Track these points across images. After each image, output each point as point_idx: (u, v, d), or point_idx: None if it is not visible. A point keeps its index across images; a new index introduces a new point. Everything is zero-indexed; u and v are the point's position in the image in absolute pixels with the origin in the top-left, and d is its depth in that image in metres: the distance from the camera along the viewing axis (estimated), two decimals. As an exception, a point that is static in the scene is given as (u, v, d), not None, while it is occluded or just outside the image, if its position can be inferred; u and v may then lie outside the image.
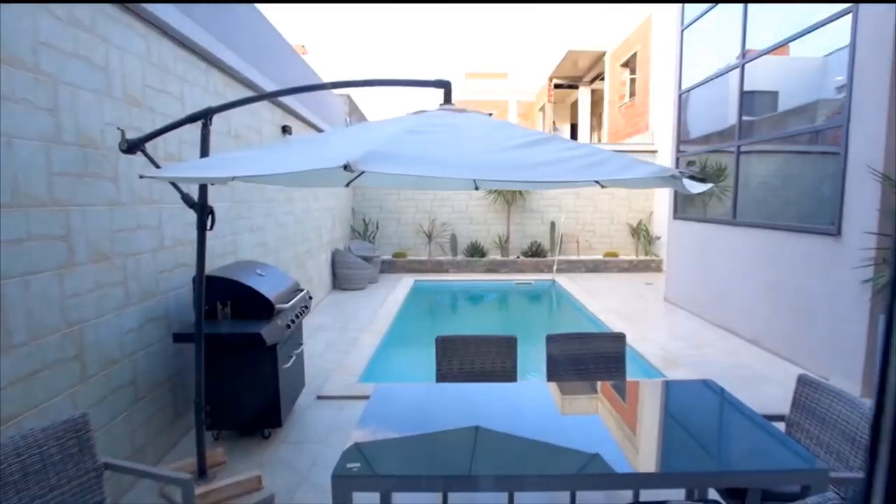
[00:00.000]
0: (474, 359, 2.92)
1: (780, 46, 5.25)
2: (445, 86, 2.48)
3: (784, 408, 2.42)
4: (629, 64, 14.33)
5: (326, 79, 9.58)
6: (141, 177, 2.07)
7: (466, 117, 2.26)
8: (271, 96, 3.66)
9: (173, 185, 2.66)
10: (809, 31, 4.78)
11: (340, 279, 8.99)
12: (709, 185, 2.31)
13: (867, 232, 3.92)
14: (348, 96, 11.76)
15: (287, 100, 6.12)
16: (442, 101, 2.51)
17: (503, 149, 2.02)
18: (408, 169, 1.41)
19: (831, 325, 4.40)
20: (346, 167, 1.29)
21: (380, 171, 1.36)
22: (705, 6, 6.71)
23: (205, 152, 2.63)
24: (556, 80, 19.83)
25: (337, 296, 8.55)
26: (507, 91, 25.10)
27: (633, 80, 14.11)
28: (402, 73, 21.92)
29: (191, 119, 2.60)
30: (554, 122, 21.85)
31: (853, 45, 4.15)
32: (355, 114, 12.47)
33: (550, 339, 3.01)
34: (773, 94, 5.66)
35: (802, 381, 2.35)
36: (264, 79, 5.20)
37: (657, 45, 12.20)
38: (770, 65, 5.58)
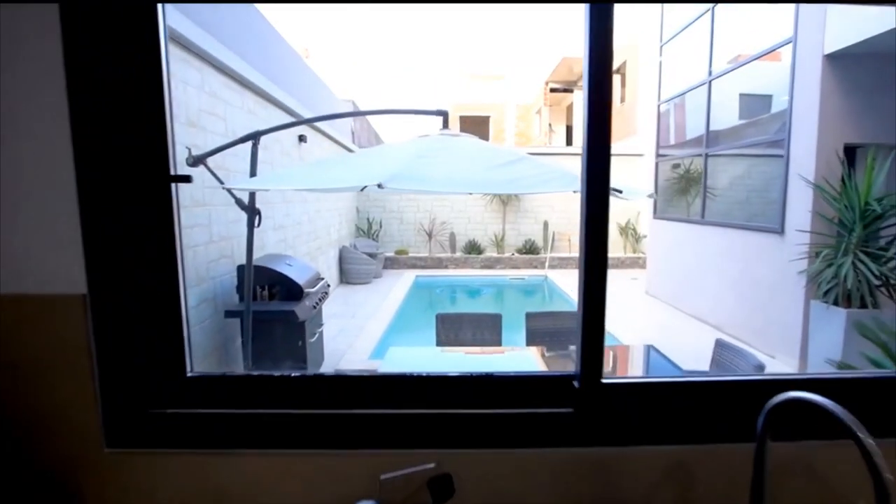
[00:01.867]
0: (467, 331, 3.62)
1: (732, 71, 5.99)
2: (443, 114, 3.18)
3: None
4: (620, 71, 15.04)
5: (328, 81, 10.28)
6: (224, 188, 2.77)
7: (460, 141, 2.96)
8: (308, 122, 4.36)
9: (230, 192, 3.36)
10: (757, 57, 5.50)
11: (347, 274, 9.68)
12: (647, 193, 3.01)
13: (799, 230, 4.64)
14: (352, 102, 12.46)
15: (301, 110, 6.81)
16: (441, 126, 3.21)
17: (489, 168, 2.72)
18: (421, 186, 2.11)
19: (777, 311, 5.11)
20: (379, 186, 1.99)
21: (401, 188, 2.06)
22: (682, 25, 7.41)
23: (254, 163, 3.33)
24: (551, 84, 20.56)
25: (344, 289, 9.24)
26: (505, 94, 25.77)
27: (622, 87, 14.82)
28: (402, 73, 22.56)
29: (244, 139, 3.29)
30: (550, 125, 22.57)
31: (793, 70, 4.85)
32: (358, 118, 13.16)
33: (529, 316, 3.72)
34: (754, 99, 6.26)
35: (718, 344, 3.05)
36: (284, 94, 5.90)
37: (644, 55, 12.90)
38: (744, 75, 6.28)
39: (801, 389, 0.83)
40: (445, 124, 3.20)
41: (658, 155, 8.41)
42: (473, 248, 11.94)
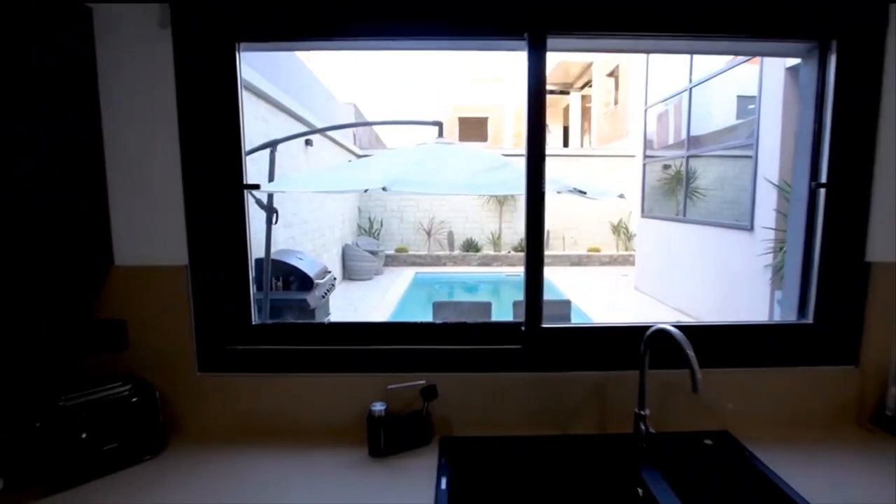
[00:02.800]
0: (459, 317, 4.07)
1: (706, 81, 6.44)
2: (439, 125, 3.62)
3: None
4: (613, 74, 15.48)
5: (329, 83, 10.71)
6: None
7: (453, 149, 3.40)
8: (320, 131, 4.79)
9: (251, 194, 3.79)
10: (723, 72, 5.96)
11: (349, 271, 10.12)
12: (617, 194, 3.45)
13: (764, 227, 5.08)
14: (354, 105, 12.89)
15: (307, 115, 7.25)
16: (437, 135, 3.65)
17: (479, 172, 3.16)
18: (420, 189, 2.55)
19: (748, 301, 5.55)
20: (384, 189, 2.43)
21: (403, 190, 2.49)
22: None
23: (272, 168, 3.77)
24: (548, 87, 20.97)
25: (347, 285, 9.69)
26: (503, 96, 26.17)
27: (616, 90, 15.26)
28: (402, 75, 23.00)
29: (264, 146, 3.73)
30: (547, 125, 23.00)
31: (760, 81, 5.30)
32: (360, 120, 13.60)
33: (517, 304, 4.16)
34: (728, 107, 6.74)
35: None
36: (292, 101, 6.34)
37: (635, 59, 13.33)
38: (717, 84, 6.72)
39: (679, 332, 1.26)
40: (440, 133, 3.65)
41: (645, 156, 8.85)
42: (471, 246, 12.38)
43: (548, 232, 12.49)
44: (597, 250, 12.34)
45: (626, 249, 12.39)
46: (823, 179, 1.46)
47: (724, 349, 1.52)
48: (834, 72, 1.43)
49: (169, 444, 1.38)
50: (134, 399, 1.32)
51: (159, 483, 1.22)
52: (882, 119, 1.43)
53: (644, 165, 8.89)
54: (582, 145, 19.79)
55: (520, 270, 9.68)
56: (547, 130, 12.81)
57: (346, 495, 1.17)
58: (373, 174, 2.91)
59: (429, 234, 12.53)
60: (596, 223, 12.79)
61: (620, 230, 12.51)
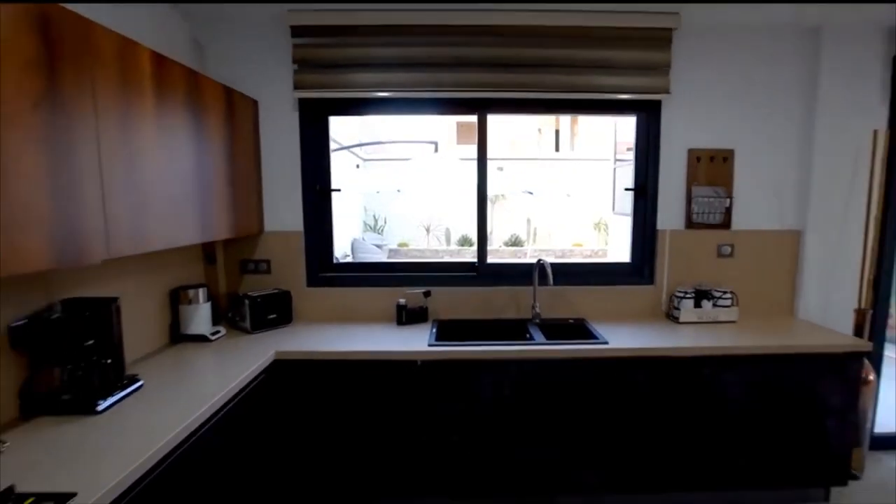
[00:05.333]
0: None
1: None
2: (434, 143, 4.93)
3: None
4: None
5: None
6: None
7: (447, 162, 4.71)
8: (346, 148, 6.07)
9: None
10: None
11: (357, 262, 11.42)
12: (563, 194, 4.76)
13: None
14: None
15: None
16: (433, 150, 4.96)
17: (467, 176, 4.47)
18: (421, 191, 3.85)
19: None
20: (398, 191, 3.74)
21: (410, 192, 3.78)
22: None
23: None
24: (540, 93, 22.24)
25: (356, 274, 10.96)
26: (498, 100, 27.33)
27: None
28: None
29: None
30: (539, 129, 24.31)
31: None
32: (366, 131, 14.90)
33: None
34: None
35: (608, 289, 4.80)
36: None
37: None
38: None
39: (563, 270, 2.56)
40: (436, 150, 4.96)
41: (615, 160, 10.17)
42: (465, 241, 13.68)
43: (535, 229, 13.80)
44: (579, 245, 13.65)
45: (606, 244, 13.70)
46: (632, 186, 2.79)
47: (586, 276, 2.83)
48: (636, 126, 2.75)
49: (293, 320, 2.70)
50: (278, 297, 2.63)
51: (292, 335, 2.53)
52: (661, 150, 2.74)
53: (614, 169, 10.20)
54: (573, 148, 21.03)
55: (510, 262, 10.77)
56: (540, 133, 14.05)
57: (388, 335, 2.48)
58: (388, 179, 4.21)
59: (428, 230, 13.81)
60: (581, 221, 14.08)
61: (601, 227, 13.82)
